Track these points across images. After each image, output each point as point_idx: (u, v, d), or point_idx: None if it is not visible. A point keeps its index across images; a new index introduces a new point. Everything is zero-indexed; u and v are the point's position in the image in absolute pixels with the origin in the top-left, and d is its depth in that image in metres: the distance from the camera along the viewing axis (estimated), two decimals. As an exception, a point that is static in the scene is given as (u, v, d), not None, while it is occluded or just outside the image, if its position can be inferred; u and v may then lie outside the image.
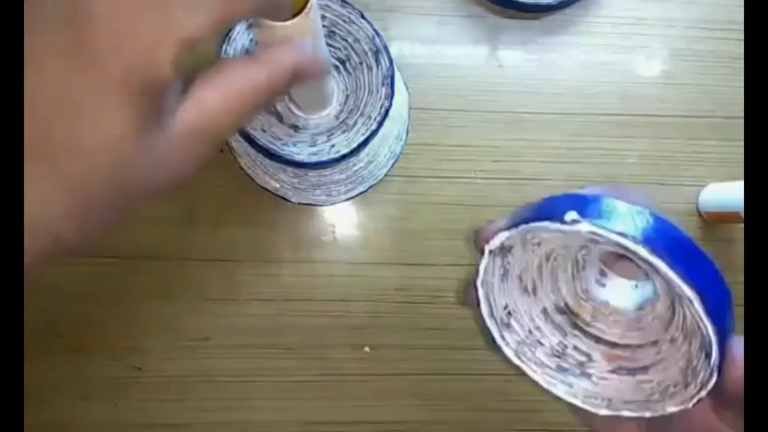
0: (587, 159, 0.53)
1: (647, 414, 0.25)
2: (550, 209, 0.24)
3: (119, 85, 0.20)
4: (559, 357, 0.28)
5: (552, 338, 0.29)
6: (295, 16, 0.27)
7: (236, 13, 0.22)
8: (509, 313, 0.28)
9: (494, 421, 0.52)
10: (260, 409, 0.50)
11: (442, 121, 0.52)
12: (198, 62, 0.23)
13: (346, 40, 0.41)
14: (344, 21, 0.40)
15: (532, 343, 0.28)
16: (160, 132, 0.22)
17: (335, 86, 0.41)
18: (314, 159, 0.40)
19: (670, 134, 0.54)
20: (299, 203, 0.48)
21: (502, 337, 0.28)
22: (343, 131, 0.40)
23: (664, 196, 0.54)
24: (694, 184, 0.54)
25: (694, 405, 0.25)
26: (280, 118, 0.40)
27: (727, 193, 0.51)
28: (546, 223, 0.23)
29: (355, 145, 0.40)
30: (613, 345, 0.28)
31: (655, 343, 0.27)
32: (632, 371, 0.27)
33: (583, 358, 0.28)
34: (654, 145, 0.54)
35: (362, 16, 0.40)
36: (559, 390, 0.27)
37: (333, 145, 0.40)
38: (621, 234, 0.22)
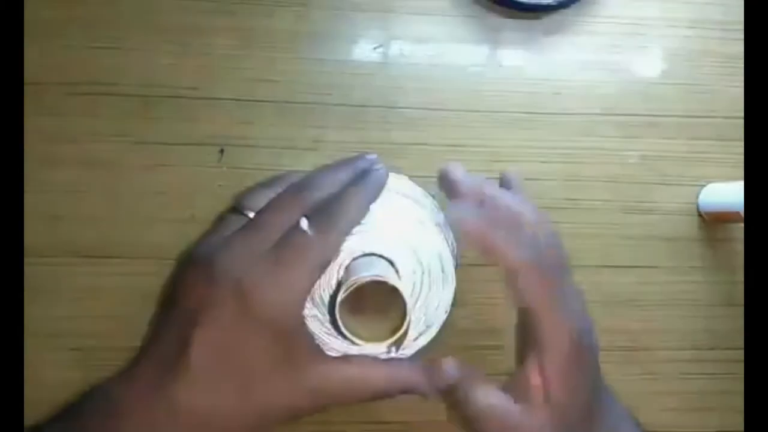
0: (587, 159, 0.53)
1: None
2: None
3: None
4: None
5: None
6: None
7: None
8: None
9: (494, 421, 0.52)
10: (260, 409, 0.50)
11: (442, 121, 0.52)
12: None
13: None
14: None
15: None
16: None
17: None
18: None
19: (670, 134, 0.54)
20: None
21: None
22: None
23: (664, 196, 0.54)
24: (694, 184, 0.54)
25: None
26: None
27: (727, 193, 0.51)
28: None
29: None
30: None
31: None
32: None
33: None
34: (654, 145, 0.54)
35: None
36: None
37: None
38: None
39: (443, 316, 0.34)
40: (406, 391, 0.32)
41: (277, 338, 0.29)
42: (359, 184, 0.34)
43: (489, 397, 0.32)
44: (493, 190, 0.35)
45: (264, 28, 0.51)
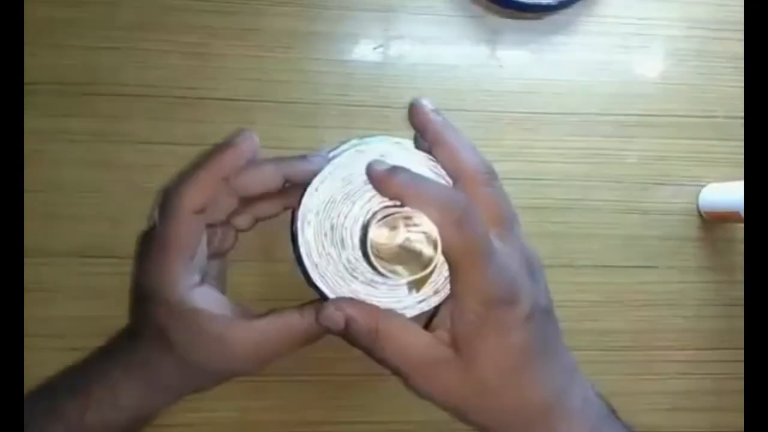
0: (587, 159, 0.53)
1: None
2: None
3: None
4: None
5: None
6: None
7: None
8: None
9: (494, 421, 0.52)
10: (260, 408, 0.50)
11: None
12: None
13: None
14: None
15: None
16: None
17: None
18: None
19: (670, 134, 0.54)
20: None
21: None
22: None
23: (664, 196, 0.54)
24: (694, 184, 0.54)
25: None
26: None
27: (727, 193, 0.51)
28: None
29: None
30: None
31: None
32: None
33: None
34: (654, 145, 0.54)
35: None
36: None
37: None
38: None
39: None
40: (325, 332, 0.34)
41: (173, 314, 0.34)
42: (209, 160, 0.37)
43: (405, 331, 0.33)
44: (450, 137, 0.35)
45: (264, 28, 0.51)
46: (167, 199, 0.35)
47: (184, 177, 0.36)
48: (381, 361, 0.33)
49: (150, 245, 0.35)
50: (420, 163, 0.36)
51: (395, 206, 0.33)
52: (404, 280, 0.33)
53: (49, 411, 0.34)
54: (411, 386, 0.33)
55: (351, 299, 0.34)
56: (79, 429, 0.34)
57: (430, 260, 0.31)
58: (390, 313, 0.33)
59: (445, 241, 0.31)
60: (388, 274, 0.31)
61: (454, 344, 0.32)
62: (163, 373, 0.35)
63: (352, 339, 0.33)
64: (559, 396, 0.33)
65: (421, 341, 0.32)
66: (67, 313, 0.49)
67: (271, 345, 0.34)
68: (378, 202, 0.33)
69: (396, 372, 0.33)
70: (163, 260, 0.34)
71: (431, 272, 0.32)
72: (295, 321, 0.34)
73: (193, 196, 0.34)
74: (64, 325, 0.49)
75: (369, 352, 0.33)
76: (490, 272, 0.31)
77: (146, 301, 0.35)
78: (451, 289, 0.32)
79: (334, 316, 0.33)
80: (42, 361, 0.48)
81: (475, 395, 0.32)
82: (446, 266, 0.33)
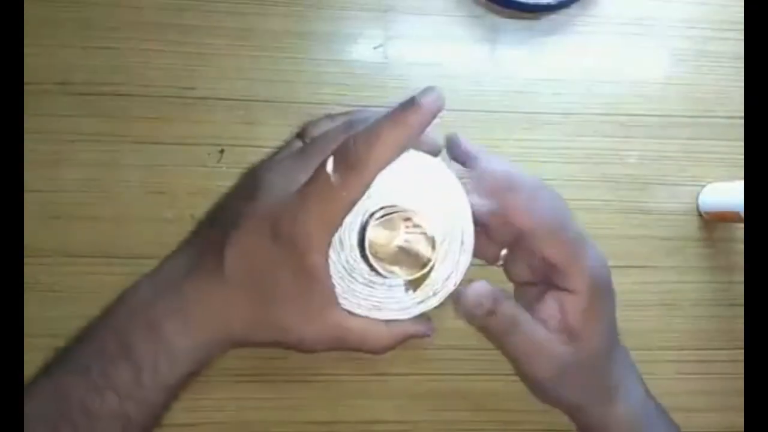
0: (587, 159, 0.53)
1: None
2: None
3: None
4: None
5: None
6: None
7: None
8: None
9: (495, 421, 0.52)
10: (261, 408, 0.50)
11: (442, 121, 0.52)
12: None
13: None
14: None
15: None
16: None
17: None
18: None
19: (670, 134, 0.54)
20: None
21: None
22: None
23: (664, 196, 0.54)
24: (694, 184, 0.54)
25: None
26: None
27: (727, 193, 0.51)
28: None
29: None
30: None
31: None
32: None
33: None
34: (654, 145, 0.54)
35: None
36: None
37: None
38: None
39: (450, 288, 0.33)
40: (408, 338, 0.34)
41: (299, 272, 0.30)
42: (395, 117, 0.33)
43: (517, 312, 0.33)
44: (488, 157, 0.36)
45: (263, 28, 0.51)
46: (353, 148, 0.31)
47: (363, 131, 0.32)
48: (502, 348, 0.34)
49: (320, 177, 0.30)
50: (424, 162, 0.35)
51: (393, 207, 0.33)
52: (402, 280, 0.33)
53: (90, 382, 0.32)
54: (525, 372, 0.34)
55: (484, 285, 0.33)
56: (134, 395, 0.32)
57: (428, 260, 0.31)
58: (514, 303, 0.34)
59: (548, 243, 0.32)
60: (387, 274, 0.31)
61: (567, 331, 0.33)
62: (232, 317, 0.31)
63: (479, 325, 0.34)
64: (637, 374, 0.37)
65: (542, 330, 0.33)
66: (67, 313, 0.49)
67: (348, 338, 0.32)
68: (375, 202, 0.33)
69: (510, 357, 0.34)
70: (321, 220, 0.30)
71: (429, 271, 0.32)
72: (382, 331, 0.33)
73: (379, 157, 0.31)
74: (64, 325, 0.49)
75: (491, 338, 0.34)
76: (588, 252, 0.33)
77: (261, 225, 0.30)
78: (556, 285, 0.33)
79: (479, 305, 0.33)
80: (42, 361, 0.48)
81: (576, 372, 0.34)
82: (444, 267, 0.33)
